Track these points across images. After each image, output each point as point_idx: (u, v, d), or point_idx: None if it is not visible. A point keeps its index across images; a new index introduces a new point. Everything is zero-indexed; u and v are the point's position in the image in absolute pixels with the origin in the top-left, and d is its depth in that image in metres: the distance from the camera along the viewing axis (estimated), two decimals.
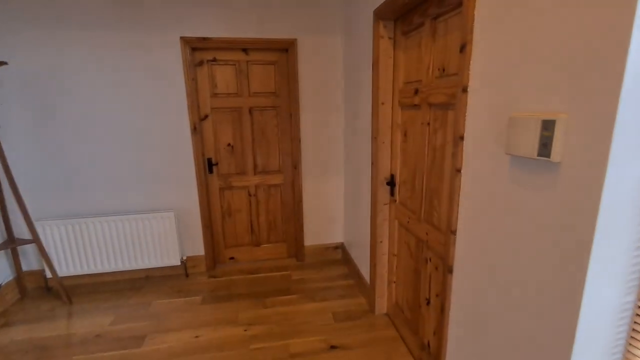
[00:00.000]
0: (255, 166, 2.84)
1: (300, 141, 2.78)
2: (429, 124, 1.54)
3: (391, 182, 1.99)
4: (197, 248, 2.84)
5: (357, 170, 2.48)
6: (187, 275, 2.80)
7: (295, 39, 2.58)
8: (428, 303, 1.66)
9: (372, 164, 2.08)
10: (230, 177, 2.82)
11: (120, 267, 2.62)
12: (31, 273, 2.61)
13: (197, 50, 2.56)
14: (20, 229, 2.51)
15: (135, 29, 2.38)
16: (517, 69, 0.89)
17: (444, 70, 1.38)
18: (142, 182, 2.63)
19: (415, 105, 1.65)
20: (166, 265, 2.69)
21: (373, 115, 1.99)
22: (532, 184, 0.86)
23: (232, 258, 2.99)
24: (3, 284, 2.41)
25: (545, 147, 0.79)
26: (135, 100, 2.49)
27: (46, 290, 2.60)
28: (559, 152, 0.77)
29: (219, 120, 2.71)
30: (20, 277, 2.51)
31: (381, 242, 2.13)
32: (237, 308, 2.33)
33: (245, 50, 2.62)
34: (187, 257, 2.82)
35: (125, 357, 1.89)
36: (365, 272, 2.43)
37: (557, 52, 0.76)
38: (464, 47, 1.09)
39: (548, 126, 0.78)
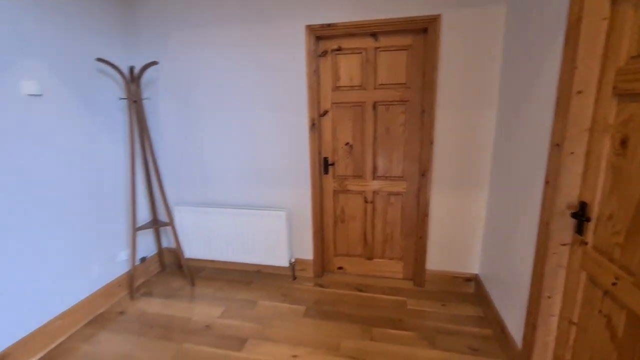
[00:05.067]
0: (374, 169, 2.47)
1: (432, 143, 2.25)
2: None
3: (580, 214, 1.29)
4: (306, 252, 2.67)
5: (514, 187, 1.81)
6: (294, 277, 2.68)
7: (439, 15, 2.06)
8: None
9: (545, 182, 1.42)
10: (346, 180, 2.54)
11: (235, 258, 2.69)
12: (170, 250, 2.95)
13: (322, 40, 2.33)
14: (162, 211, 2.85)
15: (262, 21, 2.31)
16: None
17: None
18: (259, 178, 2.61)
19: None
20: (275, 265, 2.62)
21: (558, 110, 1.33)
22: None
23: (340, 268, 2.72)
24: (148, 257, 2.77)
25: None
26: (255, 96, 2.45)
27: (178, 268, 2.89)
28: None
29: (338, 116, 2.44)
30: (160, 253, 2.86)
31: (549, 297, 1.45)
32: (341, 332, 2.03)
33: (374, 36, 2.25)
34: (296, 260, 2.69)
35: (224, 358, 1.84)
36: (514, 326, 1.76)
37: None
38: None
39: None
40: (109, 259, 2.39)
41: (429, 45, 2.13)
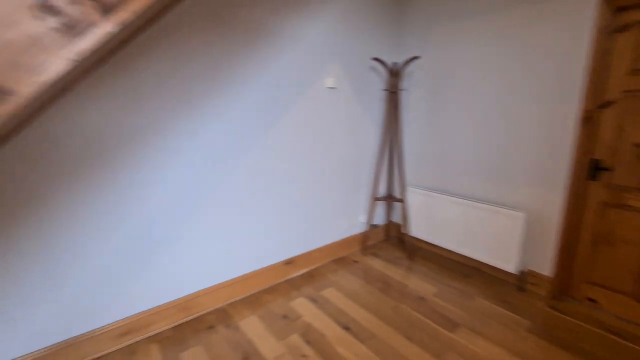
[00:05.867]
0: None
1: None
2: None
3: None
4: (543, 265, 2.30)
5: None
6: (521, 289, 2.39)
7: None
8: None
9: None
10: (626, 192, 1.95)
11: (455, 248, 2.70)
12: (395, 224, 3.34)
13: (624, 10, 1.84)
14: (396, 189, 3.23)
15: (530, 2, 2.09)
16: None
17: None
18: (498, 173, 2.45)
19: None
20: (500, 267, 2.43)
21: None
22: None
23: (592, 300, 2.17)
24: (379, 225, 3.27)
25: None
26: (509, 86, 2.27)
27: (399, 241, 3.23)
28: None
29: (630, 108, 1.89)
30: (388, 224, 3.28)
31: None
32: None
33: None
34: (528, 270, 2.38)
35: (436, 332, 1.95)
36: None
37: None
38: None
39: None
40: (352, 219, 3.02)
41: None
